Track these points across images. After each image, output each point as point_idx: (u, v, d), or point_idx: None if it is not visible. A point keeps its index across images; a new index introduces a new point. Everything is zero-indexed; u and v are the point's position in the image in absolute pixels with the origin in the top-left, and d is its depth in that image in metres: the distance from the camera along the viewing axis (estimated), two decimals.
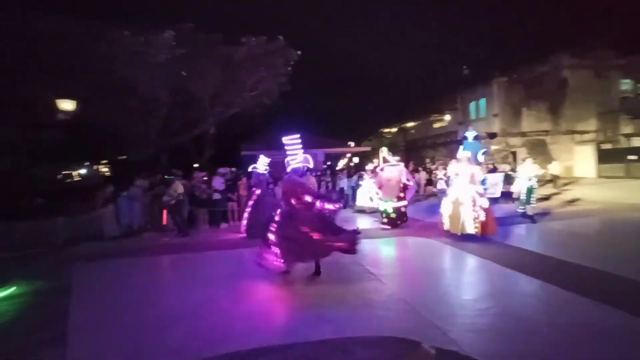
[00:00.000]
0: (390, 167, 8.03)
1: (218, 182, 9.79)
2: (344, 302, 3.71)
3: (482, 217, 6.10)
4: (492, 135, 20.57)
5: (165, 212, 8.55)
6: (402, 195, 7.88)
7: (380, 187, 8.10)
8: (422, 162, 18.86)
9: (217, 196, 9.54)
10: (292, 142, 5.08)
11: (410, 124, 29.65)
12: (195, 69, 12.61)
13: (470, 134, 9.90)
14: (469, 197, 6.18)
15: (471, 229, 6.08)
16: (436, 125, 27.22)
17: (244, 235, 7.67)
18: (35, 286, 4.72)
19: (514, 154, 19.27)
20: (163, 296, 4.24)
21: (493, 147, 20.55)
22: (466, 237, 6.08)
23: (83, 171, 23.42)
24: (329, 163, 19.33)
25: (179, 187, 8.22)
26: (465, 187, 6.29)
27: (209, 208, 9.47)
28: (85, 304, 3.95)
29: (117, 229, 8.12)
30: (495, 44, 25.49)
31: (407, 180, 8.07)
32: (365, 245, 5.30)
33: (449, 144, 24.11)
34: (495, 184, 9.61)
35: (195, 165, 15.67)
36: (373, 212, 9.66)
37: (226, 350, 2.62)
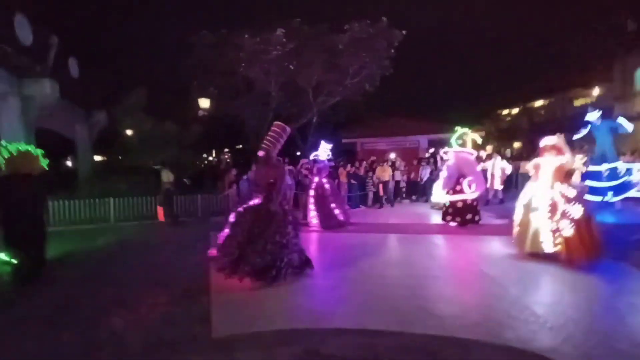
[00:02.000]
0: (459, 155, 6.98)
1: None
2: (454, 301, 3.40)
3: (568, 232, 4.12)
4: None
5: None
6: (458, 188, 6.79)
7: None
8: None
9: None
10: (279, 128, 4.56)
11: (538, 103, 24.60)
12: (302, 62, 13.37)
13: (594, 115, 7.80)
14: (547, 201, 4.34)
15: (549, 246, 4.30)
16: (578, 102, 21.78)
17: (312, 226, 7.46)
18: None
19: None
20: None
21: None
22: (543, 257, 4.35)
23: (210, 158, 28.31)
24: (431, 150, 17.95)
25: (169, 176, 8.65)
26: (544, 187, 4.45)
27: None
28: None
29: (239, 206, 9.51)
30: None
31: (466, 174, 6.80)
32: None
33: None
34: None
35: (298, 153, 16.88)
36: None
37: (338, 326, 2.82)
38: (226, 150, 25.39)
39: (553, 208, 4.27)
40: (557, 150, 4.52)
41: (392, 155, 12.83)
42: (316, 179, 7.82)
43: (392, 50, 13.35)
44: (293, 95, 14.72)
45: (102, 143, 15.22)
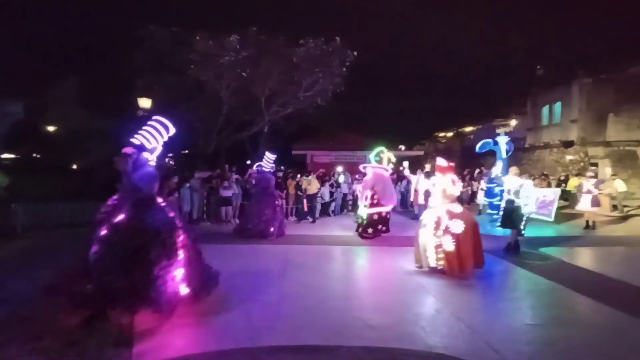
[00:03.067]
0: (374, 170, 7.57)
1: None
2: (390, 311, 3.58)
3: (449, 247, 4.47)
4: (568, 144, 18.27)
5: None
6: (374, 201, 7.24)
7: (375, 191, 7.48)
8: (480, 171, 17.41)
9: None
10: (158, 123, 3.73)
11: (468, 129, 27.74)
12: (255, 70, 13.29)
13: (503, 140, 8.96)
14: (433, 218, 4.70)
15: (432, 261, 4.63)
16: (500, 130, 25.00)
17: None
18: None
19: (593, 165, 16.87)
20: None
21: (568, 157, 18.21)
22: (434, 271, 4.69)
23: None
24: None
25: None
26: (435, 205, 4.84)
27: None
28: None
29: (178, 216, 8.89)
30: (576, 39, 22.60)
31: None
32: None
33: (514, 151, 21.97)
34: (551, 202, 6.73)
35: (249, 162, 16.53)
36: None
37: (273, 344, 2.75)
38: (170, 154, 23.78)
39: (437, 224, 4.60)
40: (446, 171, 4.92)
41: (340, 169, 13.23)
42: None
43: (344, 69, 13.98)
44: (246, 102, 14.50)
45: (15, 138, 13.17)
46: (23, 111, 12.56)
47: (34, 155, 15.34)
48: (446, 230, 4.51)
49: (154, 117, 3.59)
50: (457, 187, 4.91)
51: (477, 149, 9.10)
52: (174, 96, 13.37)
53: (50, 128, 13.41)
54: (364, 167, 7.97)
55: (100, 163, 8.98)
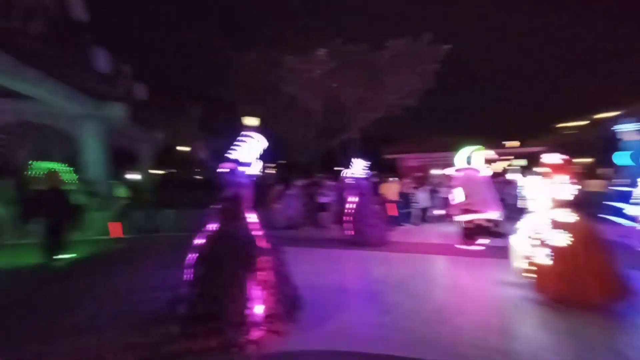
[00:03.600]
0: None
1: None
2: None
3: (543, 260, 3.56)
4: None
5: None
6: (466, 208, 6.27)
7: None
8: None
9: None
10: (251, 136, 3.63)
11: (611, 114, 22.00)
12: (343, 80, 13.59)
13: (631, 128, 6.01)
14: (529, 224, 3.86)
15: (519, 273, 3.80)
16: None
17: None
18: None
19: None
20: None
21: None
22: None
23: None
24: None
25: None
26: (539, 209, 3.85)
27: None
28: None
29: (283, 221, 9.65)
30: None
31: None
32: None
33: None
34: None
35: (338, 168, 16.89)
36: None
37: (361, 350, 2.65)
38: (270, 165, 26.35)
39: (534, 232, 3.78)
40: (559, 170, 3.82)
41: (436, 172, 12.28)
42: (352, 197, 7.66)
43: (436, 65, 13.03)
44: (335, 111, 14.95)
45: (160, 158, 16.65)
46: (163, 137, 15.75)
47: (172, 171, 18.83)
48: (544, 242, 3.64)
49: (245, 132, 3.58)
50: (568, 190, 3.74)
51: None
52: (271, 113, 14.76)
53: (181, 149, 16.30)
54: (453, 171, 6.92)
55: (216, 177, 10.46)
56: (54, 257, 5.85)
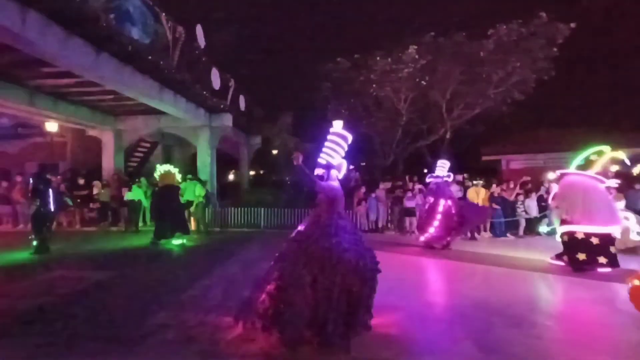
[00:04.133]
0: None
1: (454, 189, 9.44)
2: None
3: None
4: None
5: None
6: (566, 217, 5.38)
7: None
8: None
9: None
10: (337, 137, 3.43)
11: None
12: (435, 75, 12.80)
13: None
14: None
15: None
16: None
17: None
18: None
19: None
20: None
21: None
22: None
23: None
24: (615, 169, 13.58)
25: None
26: None
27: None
28: None
29: (366, 224, 9.71)
30: None
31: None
32: None
33: None
34: None
35: (426, 170, 15.93)
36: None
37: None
38: (352, 167, 26.65)
39: None
40: None
41: (551, 176, 10.47)
42: (431, 199, 7.45)
43: (555, 49, 11.11)
44: (424, 110, 14.20)
45: (256, 161, 18.62)
46: (260, 142, 17.54)
47: (265, 172, 20.80)
48: None
49: (331, 131, 3.52)
50: None
51: None
52: (356, 116, 14.90)
53: (274, 152, 17.86)
54: (559, 175, 5.93)
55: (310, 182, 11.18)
56: (161, 240, 7.32)
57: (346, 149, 3.51)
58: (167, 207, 7.42)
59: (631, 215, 6.52)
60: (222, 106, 11.92)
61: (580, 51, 15.10)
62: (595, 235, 5.16)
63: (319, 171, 3.41)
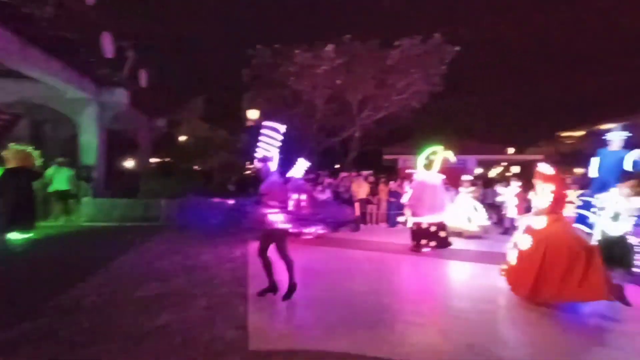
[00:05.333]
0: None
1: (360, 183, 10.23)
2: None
3: (512, 261, 4.05)
4: None
5: None
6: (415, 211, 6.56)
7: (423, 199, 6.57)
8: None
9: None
10: (271, 130, 3.73)
11: (606, 126, 22.27)
12: (350, 76, 13.56)
13: (617, 136, 5.74)
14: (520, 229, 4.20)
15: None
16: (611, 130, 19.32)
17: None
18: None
19: None
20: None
21: None
22: None
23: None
24: (479, 171, 16.96)
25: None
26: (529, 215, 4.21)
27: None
28: None
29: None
30: None
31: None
32: None
33: None
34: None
35: (337, 166, 16.92)
36: (473, 236, 7.84)
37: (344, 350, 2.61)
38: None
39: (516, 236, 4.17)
40: (549, 180, 4.03)
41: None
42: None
43: (443, 67, 13.02)
44: (338, 108, 14.93)
45: (160, 147, 16.61)
46: (166, 125, 15.73)
47: (170, 160, 18.81)
48: (515, 244, 4.10)
49: (264, 124, 3.71)
50: (545, 198, 3.97)
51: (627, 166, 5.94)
52: (273, 107, 14.73)
53: (182, 138, 16.30)
54: (414, 173, 7.19)
55: (217, 167, 10.50)
56: (9, 234, 5.97)
57: (279, 140, 3.67)
58: (10, 194, 5.98)
59: (480, 207, 8.24)
60: (115, 79, 10.17)
61: (464, 71, 18.17)
62: (433, 224, 6.46)
63: (257, 165, 3.55)
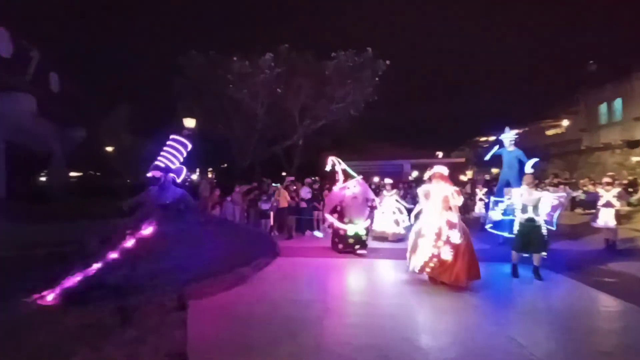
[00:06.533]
0: (354, 183, 7.15)
1: (305, 192, 10.24)
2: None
3: (447, 256, 4.36)
4: (633, 144, 16.37)
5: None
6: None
7: (342, 207, 6.96)
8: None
9: (303, 205, 10.02)
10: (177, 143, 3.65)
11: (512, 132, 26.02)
12: (288, 86, 13.65)
13: (508, 137, 7.04)
14: (434, 229, 4.55)
15: (418, 267, 4.60)
16: (550, 132, 23.20)
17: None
18: None
19: None
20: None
21: (635, 159, 16.31)
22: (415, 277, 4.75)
23: (194, 177, 27.75)
24: (415, 175, 18.36)
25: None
26: (433, 214, 4.64)
27: (296, 215, 9.98)
28: None
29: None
30: (632, 29, 20.48)
31: (372, 198, 7.20)
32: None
33: (566, 154, 20.20)
34: (556, 207, 5.51)
35: (283, 174, 16.80)
36: (398, 239, 7.87)
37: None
38: (209, 169, 25.05)
39: (438, 235, 4.48)
40: (445, 179, 4.78)
41: (376, 179, 12.93)
42: None
43: (377, 79, 13.88)
44: (279, 117, 14.90)
45: (79, 159, 14.64)
46: (85, 136, 13.94)
47: (93, 173, 16.74)
48: (447, 241, 4.43)
49: (171, 137, 3.59)
50: (460, 197, 4.72)
51: (485, 157, 7.59)
52: (211, 116, 14.11)
53: (109, 149, 14.65)
54: (345, 187, 7.34)
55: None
56: None
57: (185, 155, 3.57)
58: None
59: (404, 209, 8.34)
60: (13, 82, 8.72)
61: (399, 83, 19.65)
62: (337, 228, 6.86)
63: (156, 174, 3.43)
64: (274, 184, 10.21)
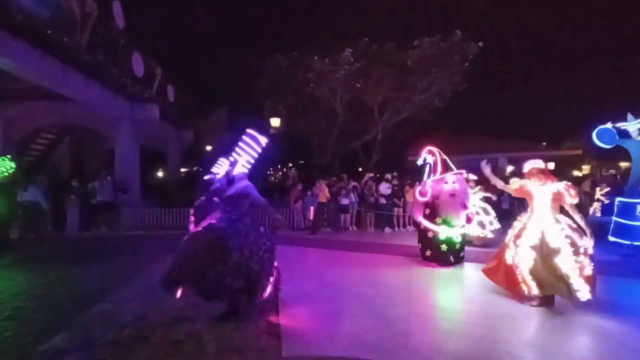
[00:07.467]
0: (453, 178, 5.74)
1: (384, 187, 10.06)
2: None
3: (589, 271, 3.42)
4: None
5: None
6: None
7: (436, 203, 5.67)
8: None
9: (382, 201, 9.87)
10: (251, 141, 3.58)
11: None
12: (368, 80, 13.49)
13: (634, 126, 5.69)
14: (564, 239, 3.51)
15: (585, 293, 3.39)
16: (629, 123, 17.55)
17: None
18: None
19: None
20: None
21: None
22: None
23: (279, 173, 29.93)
24: (510, 170, 16.19)
25: None
26: (549, 221, 3.61)
27: (375, 211, 9.91)
28: None
29: (302, 221, 9.75)
30: None
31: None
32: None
33: None
34: None
35: (360, 169, 16.78)
36: (484, 244, 6.84)
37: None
38: (290, 165, 26.66)
39: (574, 245, 3.50)
40: (547, 175, 3.76)
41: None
42: None
43: (466, 64, 12.62)
44: (358, 112, 14.86)
45: (188, 157, 17.33)
46: (193, 137, 16.39)
47: (195, 169, 19.54)
48: (585, 252, 3.50)
49: (247, 132, 3.56)
50: (576, 196, 3.63)
51: (595, 139, 6.24)
52: (293, 114, 14.91)
53: (208, 148, 16.89)
54: (443, 180, 5.92)
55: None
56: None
57: (259, 150, 3.57)
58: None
59: (490, 210, 7.29)
60: (146, 95, 10.75)
61: (492, 68, 17.53)
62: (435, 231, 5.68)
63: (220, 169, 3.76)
64: (353, 182, 10.35)
